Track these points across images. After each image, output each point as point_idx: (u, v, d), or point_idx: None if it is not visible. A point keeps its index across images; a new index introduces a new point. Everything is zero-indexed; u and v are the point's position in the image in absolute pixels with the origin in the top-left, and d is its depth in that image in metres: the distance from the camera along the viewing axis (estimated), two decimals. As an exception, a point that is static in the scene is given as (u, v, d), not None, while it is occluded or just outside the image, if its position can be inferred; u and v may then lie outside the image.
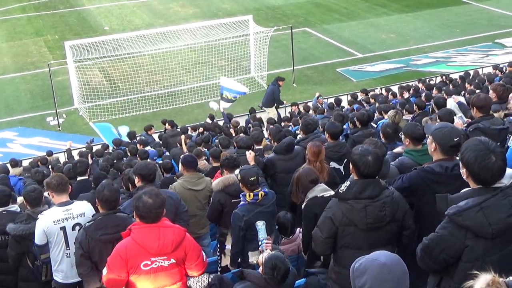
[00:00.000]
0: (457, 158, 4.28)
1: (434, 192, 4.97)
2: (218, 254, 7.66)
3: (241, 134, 12.55)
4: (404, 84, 20.34)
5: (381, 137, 8.20)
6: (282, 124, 16.98)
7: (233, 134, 15.24)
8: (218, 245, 7.83)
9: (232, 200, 7.24)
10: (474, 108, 7.23)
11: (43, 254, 6.51)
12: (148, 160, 12.86)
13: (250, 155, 8.14)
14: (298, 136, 12.34)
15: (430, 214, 4.99)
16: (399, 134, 8.20)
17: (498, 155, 3.89)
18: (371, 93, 19.26)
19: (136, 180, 6.64)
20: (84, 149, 17.34)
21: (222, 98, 20.08)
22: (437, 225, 4.16)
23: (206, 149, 13.95)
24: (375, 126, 11.31)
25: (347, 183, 4.84)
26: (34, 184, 8.76)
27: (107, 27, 32.38)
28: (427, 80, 20.93)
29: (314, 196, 6.19)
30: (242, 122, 18.48)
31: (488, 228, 3.84)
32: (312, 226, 6.05)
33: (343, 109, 17.09)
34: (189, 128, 17.55)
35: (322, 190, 6.21)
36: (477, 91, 13.89)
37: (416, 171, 5.25)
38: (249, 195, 6.53)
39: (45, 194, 7.45)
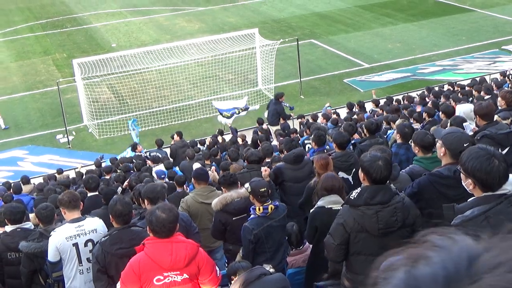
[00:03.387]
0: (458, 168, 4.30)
1: (443, 196, 5.01)
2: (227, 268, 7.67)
3: (251, 149, 12.56)
4: (411, 94, 20.33)
5: (398, 137, 8.25)
6: (291, 136, 17.00)
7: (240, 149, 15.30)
8: (226, 261, 7.84)
9: (233, 218, 7.25)
10: (477, 116, 7.25)
11: (55, 272, 6.54)
12: (156, 179, 12.89)
13: (265, 172, 8.16)
14: (307, 147, 12.35)
15: (441, 218, 5.02)
16: (409, 142, 8.21)
17: (500, 158, 3.94)
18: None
19: (146, 202, 6.66)
20: (93, 167, 17.48)
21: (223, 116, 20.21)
22: None
23: (214, 163, 14.02)
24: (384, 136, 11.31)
25: (358, 189, 4.87)
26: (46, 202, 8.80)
27: (115, 44, 32.60)
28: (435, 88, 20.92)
29: (322, 206, 6.20)
30: (249, 135, 18.50)
31: None
32: (311, 237, 6.14)
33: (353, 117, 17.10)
34: (197, 142, 17.65)
35: (332, 202, 6.18)
36: (486, 97, 13.85)
37: (425, 176, 5.34)
38: (259, 209, 6.54)
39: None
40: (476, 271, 0.95)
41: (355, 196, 4.82)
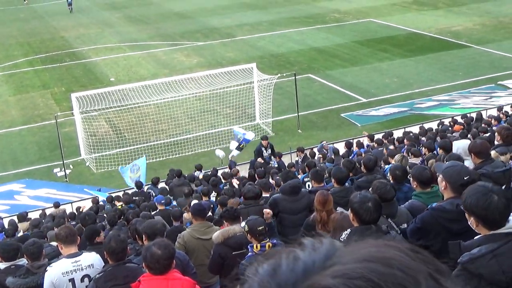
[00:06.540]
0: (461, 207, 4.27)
1: (447, 230, 4.97)
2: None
3: (247, 184, 12.50)
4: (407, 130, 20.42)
5: (390, 179, 8.23)
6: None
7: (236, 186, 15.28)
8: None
9: (233, 253, 7.18)
10: (472, 154, 7.27)
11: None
12: (158, 206, 12.86)
13: (268, 215, 8.08)
14: (307, 185, 12.30)
15: (447, 253, 4.98)
16: (408, 177, 8.19)
17: (499, 193, 3.89)
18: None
19: (144, 238, 6.63)
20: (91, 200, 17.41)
21: (238, 148, 20.30)
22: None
23: (210, 199, 13.99)
24: (381, 170, 11.29)
25: (348, 230, 4.83)
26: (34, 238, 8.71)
27: (113, 78, 32.80)
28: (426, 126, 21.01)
29: None
30: (244, 170, 18.47)
31: (501, 276, 3.79)
32: None
33: (351, 154, 17.11)
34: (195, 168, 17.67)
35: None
36: (486, 135, 13.89)
37: (427, 211, 5.28)
38: (256, 246, 6.49)
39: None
40: (331, 262, 1.05)
41: (344, 238, 4.77)
